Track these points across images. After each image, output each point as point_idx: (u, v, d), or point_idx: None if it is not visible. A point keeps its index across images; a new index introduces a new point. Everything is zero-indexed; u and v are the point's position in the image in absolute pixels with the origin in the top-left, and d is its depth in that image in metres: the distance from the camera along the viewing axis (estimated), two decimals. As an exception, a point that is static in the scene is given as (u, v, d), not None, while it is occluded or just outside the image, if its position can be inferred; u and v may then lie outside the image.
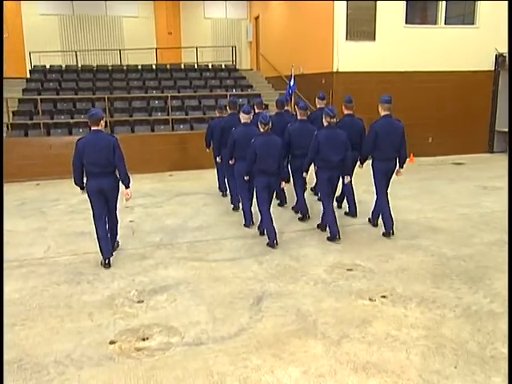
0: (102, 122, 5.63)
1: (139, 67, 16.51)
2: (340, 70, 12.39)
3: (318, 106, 8.06)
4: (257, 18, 19.40)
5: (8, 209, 8.42)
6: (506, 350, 3.72)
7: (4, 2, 16.51)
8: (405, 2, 12.44)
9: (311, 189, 8.80)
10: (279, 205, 8.15)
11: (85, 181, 5.70)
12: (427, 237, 6.58)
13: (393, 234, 6.54)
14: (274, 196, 7.08)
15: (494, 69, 13.34)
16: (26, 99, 13.20)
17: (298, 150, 6.99)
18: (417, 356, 3.72)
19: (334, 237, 6.41)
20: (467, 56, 12.95)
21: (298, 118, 7.26)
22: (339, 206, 7.93)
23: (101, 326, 4.26)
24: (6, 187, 10.06)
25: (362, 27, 12.36)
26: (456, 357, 3.70)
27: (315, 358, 3.71)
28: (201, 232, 6.95)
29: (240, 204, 7.65)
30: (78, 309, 4.59)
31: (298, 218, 7.46)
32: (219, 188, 9.25)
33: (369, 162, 6.84)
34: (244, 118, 7.07)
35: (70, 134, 11.82)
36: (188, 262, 5.78)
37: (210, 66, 17.29)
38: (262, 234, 6.69)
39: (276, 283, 5.11)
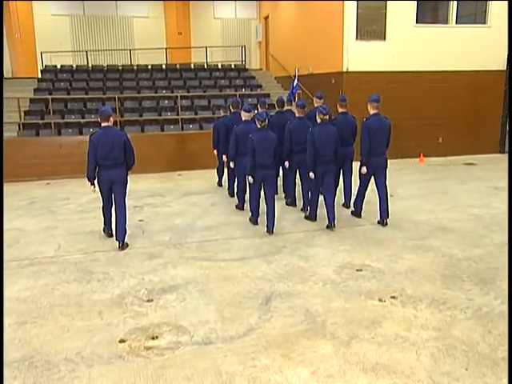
0: (112, 119, 6.21)
1: (149, 67, 16.58)
2: (350, 70, 12.34)
3: (316, 105, 8.22)
4: (266, 18, 19.40)
5: (18, 208, 8.49)
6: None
7: (10, 1, 16.70)
8: (415, 2, 12.37)
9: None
10: (287, 204, 8.28)
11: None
12: (438, 237, 6.53)
13: (360, 216, 7.39)
14: (284, 196, 7.92)
15: (505, 69, 13.21)
16: (38, 99, 13.30)
17: (296, 146, 7.37)
18: (427, 357, 3.69)
19: (311, 218, 7.24)
20: (478, 56, 12.85)
21: (297, 115, 7.59)
22: (347, 206, 8.00)
23: (111, 324, 4.29)
24: (17, 186, 10.16)
25: (372, 27, 12.30)
26: (467, 358, 3.67)
27: (324, 359, 3.69)
28: (209, 231, 6.96)
29: (241, 203, 8.12)
30: (88, 307, 4.61)
31: (305, 217, 7.47)
32: (219, 183, 9.88)
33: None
34: (245, 115, 7.58)
35: (81, 133, 11.90)
36: (197, 261, 5.79)
37: (219, 66, 17.31)
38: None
39: (285, 283, 5.10)
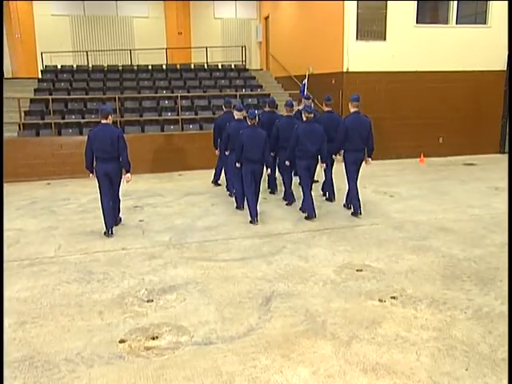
0: (111, 117, 6.78)
1: (149, 67, 16.57)
2: (350, 70, 12.34)
3: (302, 106, 8.75)
4: (266, 18, 19.40)
5: (19, 208, 8.49)
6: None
7: (10, 1, 16.71)
8: (415, 2, 12.36)
9: (322, 189, 8.87)
10: (271, 193, 9.01)
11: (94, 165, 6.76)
12: (438, 237, 6.53)
13: (360, 214, 7.52)
14: (267, 186, 8.79)
15: (505, 69, 13.21)
16: (38, 99, 13.30)
17: (285, 143, 7.76)
18: (427, 358, 3.69)
19: (311, 217, 7.38)
20: (479, 56, 12.85)
21: (285, 114, 8.21)
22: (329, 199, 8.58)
23: (111, 324, 4.29)
24: (17, 186, 10.16)
25: (372, 27, 12.31)
26: (467, 359, 3.67)
27: (324, 359, 3.70)
28: (210, 232, 6.96)
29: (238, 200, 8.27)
30: (88, 307, 4.62)
31: (286, 204, 8.13)
32: (215, 182, 10.01)
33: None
34: (237, 114, 8.15)
35: (81, 133, 11.89)
36: (197, 261, 5.79)
37: (219, 66, 17.31)
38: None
39: (285, 283, 5.10)
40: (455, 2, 12.66)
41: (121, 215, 7.38)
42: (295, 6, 15.80)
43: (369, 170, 10.86)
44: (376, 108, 12.36)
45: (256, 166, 7.28)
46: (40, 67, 16.74)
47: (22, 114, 12.27)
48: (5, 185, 9.28)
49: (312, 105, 8.11)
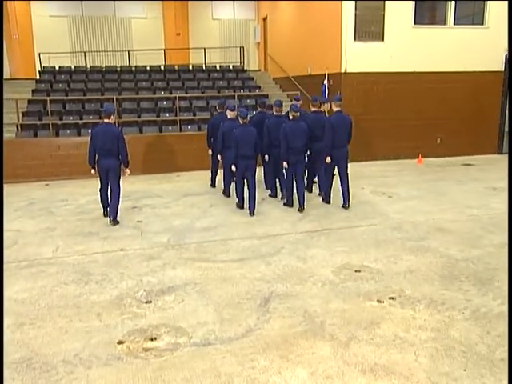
0: (113, 117, 7.38)
1: (147, 68, 16.55)
2: (348, 71, 12.36)
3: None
4: (265, 19, 19.40)
5: (17, 209, 8.48)
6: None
7: (8, 2, 16.69)
8: (413, 2, 12.36)
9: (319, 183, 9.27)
10: (270, 195, 9.02)
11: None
12: (436, 238, 6.54)
13: (329, 202, 8.34)
14: (265, 187, 9.30)
15: (503, 69, 13.23)
16: (36, 100, 13.28)
17: (275, 141, 8.20)
18: (425, 358, 3.70)
19: (289, 204, 8.13)
20: (477, 56, 12.87)
21: (274, 113, 8.57)
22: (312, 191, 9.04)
23: (109, 326, 4.28)
24: (15, 187, 10.14)
25: (370, 28, 12.31)
26: (465, 359, 3.68)
27: (323, 360, 3.70)
28: (208, 232, 6.96)
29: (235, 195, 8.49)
30: (86, 309, 4.61)
31: (284, 204, 8.28)
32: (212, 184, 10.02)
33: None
34: (230, 114, 8.68)
35: (79, 134, 11.88)
36: (195, 262, 5.79)
37: (217, 67, 17.30)
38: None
39: (283, 284, 5.10)
40: (453, 3, 12.68)
41: (118, 218, 7.45)
42: (293, 7, 15.81)
43: (367, 170, 10.93)
44: (374, 109, 12.38)
45: (249, 162, 7.80)
46: (38, 68, 16.70)
47: (20, 115, 12.24)
48: (3, 186, 9.26)
49: (296, 104, 8.65)
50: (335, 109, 8.08)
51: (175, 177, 11.23)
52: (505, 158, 12.80)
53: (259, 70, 19.26)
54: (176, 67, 16.89)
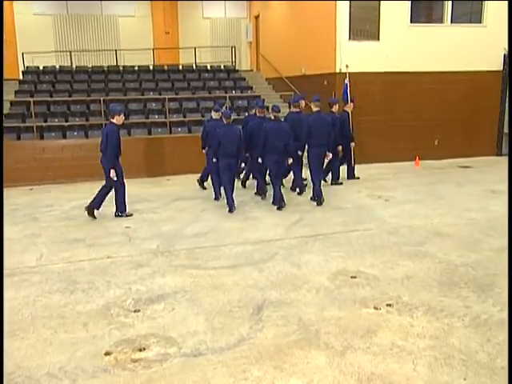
0: (117, 117, 7.77)
1: (136, 68, 16.55)
2: (343, 71, 12.40)
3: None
4: (257, 18, 19.46)
5: (0, 215, 8.42)
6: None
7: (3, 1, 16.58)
8: (409, 1, 12.47)
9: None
10: (262, 197, 9.20)
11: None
12: (434, 243, 6.57)
13: (321, 203, 8.57)
14: (255, 192, 9.47)
15: (502, 69, 13.35)
16: (19, 101, 13.22)
17: (258, 141, 8.61)
18: (424, 367, 3.70)
19: (280, 206, 8.35)
20: (474, 56, 12.97)
21: (257, 114, 9.34)
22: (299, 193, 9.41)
23: (96, 336, 4.25)
24: (-2, 192, 10.06)
25: (365, 26, 12.39)
26: (465, 368, 3.68)
27: (318, 370, 3.69)
28: (199, 238, 6.94)
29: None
30: (71, 319, 4.57)
31: (277, 209, 8.39)
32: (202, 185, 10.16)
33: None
34: (214, 114, 9.38)
35: (64, 137, 11.83)
36: (186, 269, 5.77)
37: (208, 67, 17.32)
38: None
39: (277, 291, 5.09)
40: (450, 1, 12.79)
41: (100, 210, 7.99)
42: (286, 5, 15.87)
43: (363, 173, 10.96)
44: (370, 110, 12.42)
45: (232, 161, 8.34)
46: (21, 68, 16.63)
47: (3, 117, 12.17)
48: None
49: (277, 105, 9.19)
50: (314, 109, 8.80)
51: (165, 181, 11.20)
52: (504, 159, 12.89)
53: (251, 70, 19.30)
54: (165, 67, 16.89)
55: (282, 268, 5.74)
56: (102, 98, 12.73)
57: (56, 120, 12.52)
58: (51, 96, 13.76)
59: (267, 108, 9.93)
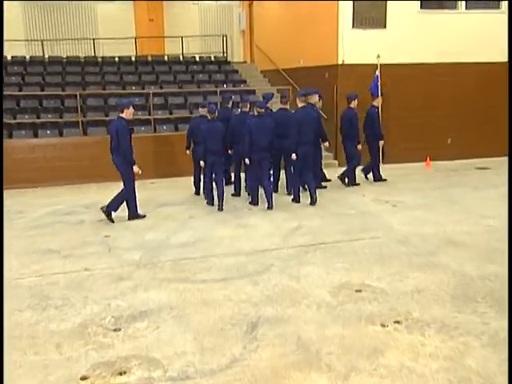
0: (126, 110, 8.00)
1: (116, 59, 16.57)
2: (346, 62, 12.47)
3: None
4: (250, 4, 19.55)
5: (-37, 223, 8.37)
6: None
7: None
8: (419, -16, 12.57)
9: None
10: (250, 197, 9.39)
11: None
12: (447, 253, 6.59)
13: (298, 202, 9.19)
14: (247, 194, 9.74)
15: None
16: (-15, 96, 13.19)
17: (237, 137, 9.28)
18: (437, 391, 3.70)
19: (255, 203, 9.05)
20: (492, 45, 13.02)
21: (242, 109, 9.90)
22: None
23: (70, 359, 4.23)
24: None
25: (370, 13, 12.45)
26: (482, 392, 3.69)
27: (319, 395, 3.69)
28: (187, 248, 6.94)
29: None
30: (43, 339, 4.55)
31: (267, 208, 8.76)
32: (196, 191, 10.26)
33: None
34: (200, 111, 9.83)
35: (36, 136, 11.82)
36: (172, 283, 5.76)
37: (197, 59, 17.37)
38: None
39: (273, 307, 5.09)
40: (464, -15, 12.89)
41: (116, 213, 8.27)
42: (283, -10, 15.94)
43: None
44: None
45: (216, 158, 8.85)
46: (-13, 59, 16.60)
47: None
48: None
49: (261, 101, 9.87)
50: (300, 104, 9.15)
51: (149, 184, 11.19)
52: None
53: (245, 62, 19.37)
54: (149, 58, 16.95)
55: (279, 281, 5.74)
56: (78, 93, 12.72)
57: (26, 117, 12.51)
58: (21, 90, 13.74)
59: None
